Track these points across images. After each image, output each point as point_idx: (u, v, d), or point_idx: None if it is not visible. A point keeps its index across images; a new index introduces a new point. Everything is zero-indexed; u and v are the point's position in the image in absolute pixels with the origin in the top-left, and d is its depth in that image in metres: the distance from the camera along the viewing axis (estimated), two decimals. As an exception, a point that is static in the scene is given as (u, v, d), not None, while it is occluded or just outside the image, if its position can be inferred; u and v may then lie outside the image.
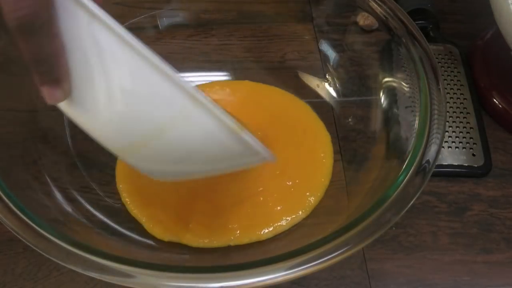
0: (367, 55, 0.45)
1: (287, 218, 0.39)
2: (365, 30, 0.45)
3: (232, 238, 0.38)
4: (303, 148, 0.43)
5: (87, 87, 0.25)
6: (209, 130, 0.26)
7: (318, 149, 0.43)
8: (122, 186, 0.41)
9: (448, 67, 0.49)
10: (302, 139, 0.44)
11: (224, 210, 0.39)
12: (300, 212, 0.39)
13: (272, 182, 0.41)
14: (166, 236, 0.38)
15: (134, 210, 0.39)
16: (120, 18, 0.51)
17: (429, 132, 0.35)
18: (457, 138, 0.45)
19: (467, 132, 0.45)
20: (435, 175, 0.43)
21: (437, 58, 0.50)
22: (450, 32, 0.53)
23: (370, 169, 0.39)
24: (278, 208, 0.39)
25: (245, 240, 0.38)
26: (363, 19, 0.44)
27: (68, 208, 0.37)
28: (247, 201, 0.40)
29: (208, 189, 0.40)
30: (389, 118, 0.41)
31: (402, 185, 0.32)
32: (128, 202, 0.40)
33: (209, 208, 0.39)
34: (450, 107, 0.47)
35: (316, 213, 0.39)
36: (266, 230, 0.38)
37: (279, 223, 0.38)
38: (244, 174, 0.41)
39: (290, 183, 0.41)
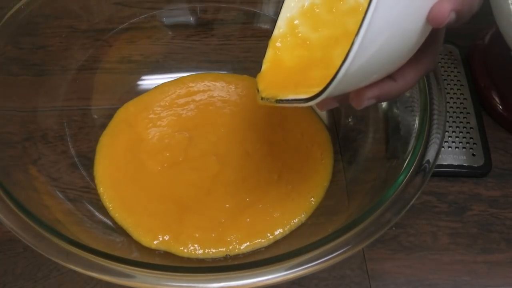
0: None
1: (290, 222, 0.38)
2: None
3: (230, 247, 0.37)
4: (302, 149, 0.43)
5: None
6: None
7: (318, 150, 0.43)
8: (102, 190, 0.40)
9: (448, 67, 0.49)
10: (301, 140, 0.43)
11: (219, 224, 0.38)
12: (303, 215, 0.38)
13: (271, 187, 0.40)
14: (153, 245, 0.37)
15: (118, 217, 0.38)
16: (120, 18, 0.51)
17: (429, 132, 0.35)
18: (457, 138, 0.45)
19: (467, 132, 0.45)
20: (435, 175, 0.43)
21: (437, 58, 0.50)
22: (450, 32, 0.53)
23: (370, 169, 0.39)
24: (279, 213, 0.38)
25: (245, 250, 0.37)
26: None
27: (68, 208, 0.37)
28: (246, 211, 0.39)
29: (198, 202, 0.39)
30: (389, 118, 0.41)
31: (402, 185, 0.32)
32: (111, 208, 0.39)
33: (202, 222, 0.38)
34: (450, 107, 0.47)
35: (316, 213, 0.39)
36: (269, 237, 0.37)
37: (281, 228, 0.38)
38: (239, 186, 0.40)
39: (290, 186, 0.40)
